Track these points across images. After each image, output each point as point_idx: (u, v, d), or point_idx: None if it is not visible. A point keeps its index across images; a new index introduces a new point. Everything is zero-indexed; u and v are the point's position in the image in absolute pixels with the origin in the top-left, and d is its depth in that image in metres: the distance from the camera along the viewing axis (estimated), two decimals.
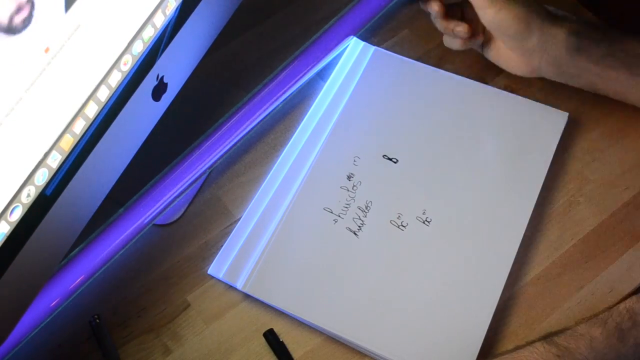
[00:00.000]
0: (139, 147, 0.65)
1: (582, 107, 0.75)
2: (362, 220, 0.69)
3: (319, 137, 0.74)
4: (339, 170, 0.72)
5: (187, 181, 0.71)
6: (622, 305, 0.60)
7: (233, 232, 0.70)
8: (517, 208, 0.69)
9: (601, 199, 0.71)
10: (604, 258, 0.67)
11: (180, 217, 0.72)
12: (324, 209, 0.70)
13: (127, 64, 0.58)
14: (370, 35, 0.82)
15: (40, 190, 0.52)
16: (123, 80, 0.58)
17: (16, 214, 0.51)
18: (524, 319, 0.65)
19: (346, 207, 0.70)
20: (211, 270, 0.68)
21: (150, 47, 0.60)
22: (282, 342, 0.64)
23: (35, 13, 0.46)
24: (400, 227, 0.69)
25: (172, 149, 0.73)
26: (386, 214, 0.69)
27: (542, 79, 0.78)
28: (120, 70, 0.57)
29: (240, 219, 0.71)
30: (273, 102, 0.75)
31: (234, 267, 0.67)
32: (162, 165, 0.72)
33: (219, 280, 0.68)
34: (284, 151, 0.74)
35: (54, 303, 0.64)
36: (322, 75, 0.79)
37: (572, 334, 0.58)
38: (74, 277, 0.65)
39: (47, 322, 0.65)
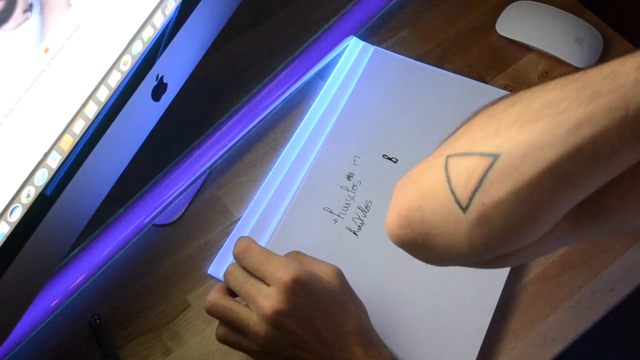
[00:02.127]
0: (138, 147, 0.65)
1: None
2: (362, 220, 0.69)
3: (319, 137, 0.74)
4: (338, 170, 0.72)
5: (187, 181, 0.71)
6: None
7: (233, 232, 0.70)
8: None
9: None
10: (604, 258, 0.67)
11: (180, 217, 0.72)
12: (323, 208, 0.70)
13: (127, 64, 0.58)
14: (370, 35, 0.82)
15: (40, 190, 0.52)
16: (123, 81, 0.58)
17: (16, 214, 0.51)
18: (524, 318, 0.65)
19: (346, 207, 0.70)
20: (211, 270, 0.68)
21: (149, 47, 0.60)
22: None
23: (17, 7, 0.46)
24: None
25: (172, 149, 0.73)
26: (386, 213, 0.69)
27: (541, 79, 0.78)
28: (119, 71, 0.57)
29: (240, 219, 0.71)
30: (273, 102, 0.75)
31: None
32: (162, 165, 0.72)
33: (219, 280, 0.68)
34: (284, 151, 0.74)
35: (54, 303, 0.64)
36: (322, 75, 0.79)
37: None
38: (74, 277, 0.65)
39: (47, 322, 0.65)
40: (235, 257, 0.59)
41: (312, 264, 0.59)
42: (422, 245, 0.52)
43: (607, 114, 0.42)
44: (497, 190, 0.46)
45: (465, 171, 0.48)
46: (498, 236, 0.48)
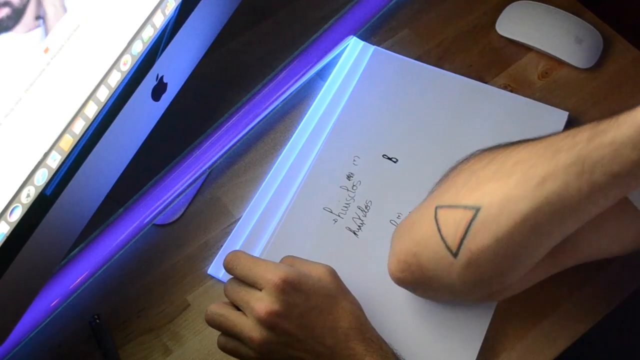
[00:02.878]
0: (138, 147, 0.65)
1: (582, 106, 0.75)
2: (362, 220, 0.69)
3: (319, 137, 0.74)
4: (338, 170, 0.72)
5: (187, 181, 0.71)
6: None
7: (233, 232, 0.70)
8: None
9: None
10: (604, 258, 0.67)
11: (180, 217, 0.72)
12: (323, 208, 0.70)
13: (127, 63, 0.58)
14: (370, 34, 0.82)
15: (40, 190, 0.52)
16: (123, 80, 0.58)
17: (16, 214, 0.51)
18: (524, 318, 0.65)
19: (346, 207, 0.70)
20: (211, 270, 0.68)
21: (149, 47, 0.60)
22: None
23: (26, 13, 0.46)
24: None
25: (172, 149, 0.73)
26: (386, 213, 0.69)
27: (541, 79, 0.78)
28: (119, 70, 0.57)
29: (240, 218, 0.71)
30: (273, 102, 0.75)
31: None
32: (162, 165, 0.72)
33: (219, 280, 0.68)
34: (284, 151, 0.74)
35: (54, 303, 0.64)
36: (322, 75, 0.79)
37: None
38: (74, 277, 0.65)
39: (47, 322, 0.65)
40: (226, 269, 0.60)
41: (304, 266, 0.60)
42: (422, 285, 0.59)
43: (567, 169, 0.48)
44: (482, 238, 0.52)
45: (453, 222, 0.54)
46: (486, 276, 0.55)
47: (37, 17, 0.46)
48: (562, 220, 0.50)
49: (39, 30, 0.47)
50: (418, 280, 0.59)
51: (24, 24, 0.45)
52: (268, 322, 0.55)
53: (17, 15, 0.45)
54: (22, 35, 0.45)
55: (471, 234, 0.53)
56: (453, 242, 0.54)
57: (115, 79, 0.57)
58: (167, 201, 0.70)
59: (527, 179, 0.50)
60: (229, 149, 0.73)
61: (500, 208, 0.51)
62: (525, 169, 0.50)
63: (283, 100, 0.76)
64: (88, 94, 0.54)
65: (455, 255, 0.54)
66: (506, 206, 0.51)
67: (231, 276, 0.60)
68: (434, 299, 0.64)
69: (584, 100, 0.76)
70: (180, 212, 0.72)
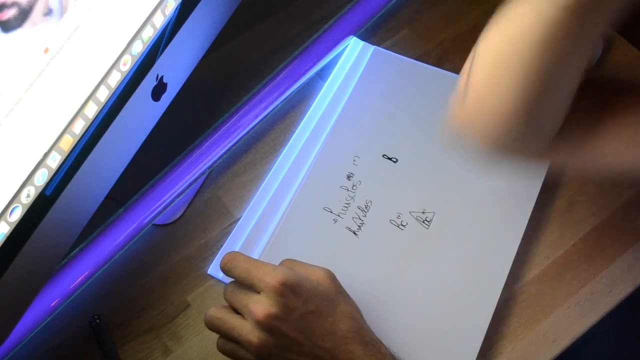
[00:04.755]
0: (138, 147, 0.65)
1: None
2: (362, 220, 0.69)
3: (319, 137, 0.74)
4: (338, 170, 0.72)
5: (187, 181, 0.71)
6: None
7: (233, 232, 0.70)
8: (517, 207, 0.69)
9: (601, 198, 0.71)
10: (604, 257, 0.67)
11: (180, 217, 0.72)
12: (323, 208, 0.70)
13: (127, 64, 0.58)
14: (370, 34, 0.82)
15: (40, 190, 0.52)
16: (122, 81, 0.58)
17: (16, 214, 0.51)
18: (523, 319, 0.65)
19: (346, 207, 0.70)
20: (211, 270, 0.68)
21: (149, 47, 0.60)
22: None
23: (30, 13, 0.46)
24: (400, 226, 0.69)
25: (172, 149, 0.73)
26: (386, 213, 0.69)
27: None
28: (119, 71, 0.57)
29: (240, 218, 0.71)
30: (273, 102, 0.75)
31: None
32: (162, 165, 0.72)
33: (219, 280, 0.68)
34: (284, 151, 0.74)
35: (54, 303, 0.64)
36: (322, 75, 0.79)
37: None
38: (74, 277, 0.65)
39: (47, 322, 0.65)
40: (223, 270, 0.60)
41: (303, 269, 0.60)
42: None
43: None
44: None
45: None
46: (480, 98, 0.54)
47: (45, 14, 0.46)
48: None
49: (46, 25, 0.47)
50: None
51: (31, 21, 0.45)
52: (266, 325, 0.55)
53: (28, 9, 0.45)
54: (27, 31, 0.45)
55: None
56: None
57: (115, 79, 0.57)
58: (167, 201, 0.70)
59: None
60: (229, 149, 0.73)
61: (483, 37, 0.54)
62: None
63: (283, 100, 0.76)
64: (88, 94, 0.54)
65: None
66: (486, 35, 0.53)
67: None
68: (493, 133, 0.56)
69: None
70: (180, 212, 0.72)
